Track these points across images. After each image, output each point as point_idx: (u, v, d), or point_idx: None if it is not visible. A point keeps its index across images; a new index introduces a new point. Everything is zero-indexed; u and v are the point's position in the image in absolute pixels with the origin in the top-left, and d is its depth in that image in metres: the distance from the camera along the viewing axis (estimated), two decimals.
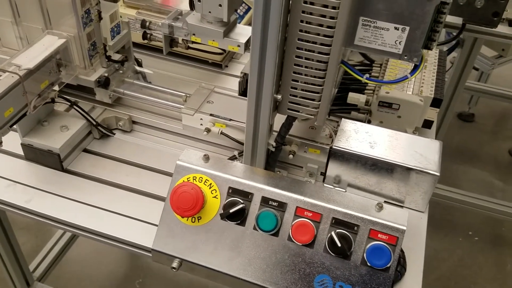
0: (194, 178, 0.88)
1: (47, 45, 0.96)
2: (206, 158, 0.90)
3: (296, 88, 0.86)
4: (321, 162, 1.01)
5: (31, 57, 0.92)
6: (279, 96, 0.87)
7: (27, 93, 0.91)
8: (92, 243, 2.12)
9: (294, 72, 0.84)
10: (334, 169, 0.99)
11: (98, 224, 0.92)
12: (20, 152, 1.02)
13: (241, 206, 0.84)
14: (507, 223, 2.41)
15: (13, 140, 0.99)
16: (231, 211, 0.84)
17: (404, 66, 1.19)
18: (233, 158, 1.06)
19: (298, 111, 0.89)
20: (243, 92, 1.17)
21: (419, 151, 0.97)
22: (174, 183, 0.88)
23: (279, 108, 0.90)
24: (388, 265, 0.80)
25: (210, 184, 0.87)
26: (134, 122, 1.11)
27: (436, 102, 1.09)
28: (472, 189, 2.34)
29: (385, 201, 0.99)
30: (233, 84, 1.28)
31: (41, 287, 1.66)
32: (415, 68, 0.84)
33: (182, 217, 0.86)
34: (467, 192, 2.22)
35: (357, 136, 0.99)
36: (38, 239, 2.13)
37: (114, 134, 1.11)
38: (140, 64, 1.22)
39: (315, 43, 0.80)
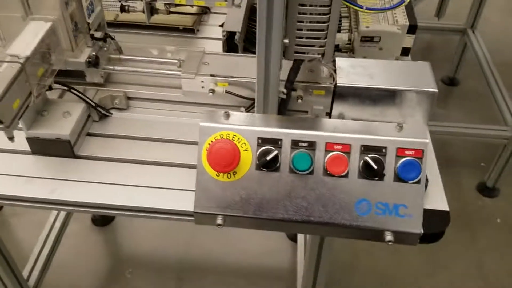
0: (222, 135, 0.89)
1: (35, 31, 0.91)
2: (227, 115, 0.91)
3: (301, 30, 0.89)
4: (326, 102, 1.05)
5: (24, 45, 0.88)
6: (286, 41, 0.90)
7: (30, 82, 0.87)
8: (70, 245, 2.07)
9: (299, 13, 0.87)
10: (339, 106, 1.03)
11: (135, 200, 0.92)
12: (22, 147, 0.98)
13: (275, 152, 0.87)
14: (455, 144, 2.60)
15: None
16: (267, 158, 0.86)
17: (373, 0, 1.25)
18: None
19: (305, 53, 0.92)
20: (229, 51, 1.19)
21: (414, 74, 1.04)
22: (202, 145, 0.88)
23: (286, 54, 0.93)
24: (420, 177, 0.87)
25: (238, 138, 0.89)
26: (128, 98, 1.09)
27: (411, 29, 1.17)
28: None
29: None
30: (209, 46, 1.28)
31: None
32: None
33: (223, 173, 0.87)
34: None
35: (355, 71, 1.03)
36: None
37: (112, 113, 1.08)
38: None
39: None
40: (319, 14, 0.86)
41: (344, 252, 2.12)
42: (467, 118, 2.75)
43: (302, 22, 0.88)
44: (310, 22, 0.88)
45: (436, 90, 1.01)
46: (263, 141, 0.89)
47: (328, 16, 0.86)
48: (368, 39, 1.14)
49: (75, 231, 2.13)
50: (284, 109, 1.01)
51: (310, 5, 0.85)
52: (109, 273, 2.06)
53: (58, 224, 1.82)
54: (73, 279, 2.01)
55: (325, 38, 0.89)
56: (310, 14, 0.86)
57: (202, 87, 1.04)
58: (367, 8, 0.90)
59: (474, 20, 2.71)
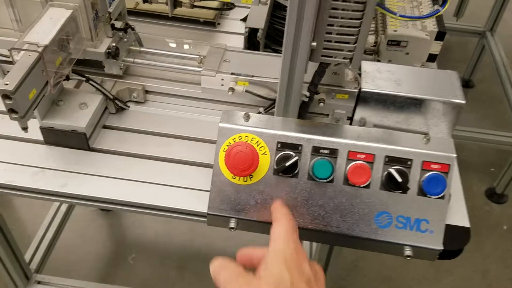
0: (240, 138, 0.86)
1: (54, 18, 0.88)
2: (247, 116, 0.88)
3: (331, 33, 0.86)
4: (349, 106, 1.02)
5: (43, 32, 0.85)
6: (314, 44, 0.86)
7: (47, 71, 0.84)
8: (74, 228, 2.06)
9: (330, 17, 0.84)
10: (362, 111, 1.00)
11: (147, 197, 0.89)
12: (34, 136, 0.95)
13: (295, 158, 0.84)
14: (466, 148, 2.57)
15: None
16: (287, 164, 0.84)
17: (401, 3, 1.21)
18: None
19: (332, 57, 0.89)
20: (250, 47, 1.16)
21: (441, 83, 1.00)
22: (220, 146, 0.86)
23: (313, 56, 0.89)
24: (444, 192, 0.85)
25: (257, 141, 0.86)
26: (146, 92, 1.06)
27: (440, 36, 1.13)
28: None
29: None
30: (229, 41, 1.25)
31: (42, 278, 1.59)
32: (444, 1, 0.86)
33: (240, 176, 0.85)
34: None
35: (381, 76, 1.00)
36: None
37: (129, 106, 1.05)
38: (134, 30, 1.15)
39: None
40: (351, 18, 0.83)
41: (349, 253, 2.10)
42: (480, 121, 2.71)
43: (333, 25, 0.84)
44: (341, 26, 0.84)
45: (464, 101, 0.97)
46: (282, 145, 0.86)
47: (360, 21, 0.83)
48: (395, 43, 1.11)
49: (79, 215, 2.12)
50: (305, 112, 0.99)
51: (343, 9, 0.82)
52: (112, 258, 2.06)
53: (63, 208, 1.81)
54: (76, 263, 2.00)
55: (355, 43, 0.86)
56: (342, 18, 0.83)
57: (222, 85, 1.01)
58: (400, 15, 0.87)
59: (494, 23, 2.65)
